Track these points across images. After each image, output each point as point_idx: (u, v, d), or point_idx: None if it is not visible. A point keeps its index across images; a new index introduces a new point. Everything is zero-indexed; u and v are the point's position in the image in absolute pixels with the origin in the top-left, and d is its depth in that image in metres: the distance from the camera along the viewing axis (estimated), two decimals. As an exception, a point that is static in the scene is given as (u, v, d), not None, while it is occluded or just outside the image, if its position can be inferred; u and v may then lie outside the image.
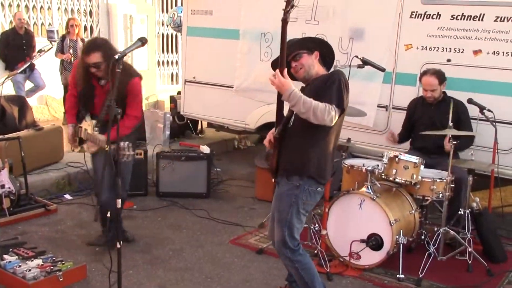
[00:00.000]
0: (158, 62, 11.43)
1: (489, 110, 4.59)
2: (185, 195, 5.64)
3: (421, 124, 4.81)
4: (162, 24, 11.38)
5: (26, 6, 9.01)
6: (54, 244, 4.36)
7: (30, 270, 3.55)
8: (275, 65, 3.09)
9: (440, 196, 4.21)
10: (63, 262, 3.76)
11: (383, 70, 4.54)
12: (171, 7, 11.30)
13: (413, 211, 4.23)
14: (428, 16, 5.10)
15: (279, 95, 2.99)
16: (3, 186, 4.77)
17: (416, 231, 4.31)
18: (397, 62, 5.31)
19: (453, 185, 4.27)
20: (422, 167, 4.14)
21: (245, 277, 3.94)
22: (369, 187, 4.09)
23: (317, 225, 4.30)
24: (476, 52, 4.90)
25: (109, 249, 3.43)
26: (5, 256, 3.73)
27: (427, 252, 4.10)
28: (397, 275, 3.94)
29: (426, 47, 5.13)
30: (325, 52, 3.22)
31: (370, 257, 4.04)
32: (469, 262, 4.12)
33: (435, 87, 4.69)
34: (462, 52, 4.96)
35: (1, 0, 8.68)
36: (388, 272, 4.05)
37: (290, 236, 3.11)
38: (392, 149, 4.83)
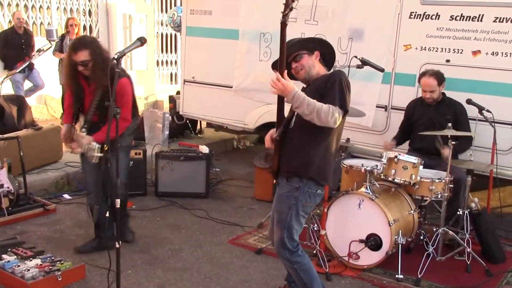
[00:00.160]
0: (157, 62, 11.43)
1: (488, 111, 4.60)
2: (184, 195, 5.64)
3: (420, 125, 4.81)
4: (161, 24, 11.38)
5: (25, 6, 9.00)
6: (53, 244, 4.36)
7: (28, 270, 3.54)
8: (275, 66, 3.06)
9: (439, 196, 4.21)
10: (62, 262, 3.75)
11: (382, 70, 4.55)
12: (171, 7, 11.30)
13: (412, 212, 4.24)
14: (427, 17, 5.10)
15: (280, 96, 2.97)
16: (1, 186, 4.77)
17: (415, 231, 4.31)
18: (396, 62, 5.31)
19: (452, 186, 4.27)
20: (421, 167, 4.15)
21: (244, 277, 3.94)
22: (368, 187, 4.09)
23: (316, 225, 4.30)
24: (475, 53, 4.91)
25: (108, 249, 3.43)
26: (4, 256, 3.72)
27: (426, 253, 4.10)
28: (396, 275, 3.94)
29: (425, 47, 5.14)
30: (326, 51, 3.20)
31: (369, 257, 4.04)
32: (468, 263, 4.12)
33: (434, 88, 4.69)
34: (461, 53, 4.96)
35: (0, 0, 8.67)
36: (387, 272, 4.05)
37: (289, 238, 3.10)
38: (391, 149, 4.83)
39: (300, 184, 3.07)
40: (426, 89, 4.72)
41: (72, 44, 3.97)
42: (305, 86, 3.21)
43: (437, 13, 5.05)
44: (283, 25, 2.88)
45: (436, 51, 5.08)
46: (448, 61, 5.01)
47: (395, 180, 4.13)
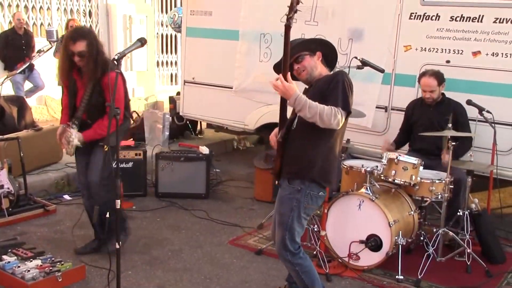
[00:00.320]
0: (158, 62, 11.43)
1: (488, 111, 4.60)
2: (184, 196, 5.64)
3: (420, 125, 4.81)
4: (162, 25, 11.38)
5: (26, 7, 9.01)
6: (53, 245, 4.36)
7: (29, 270, 3.54)
8: (277, 68, 3.05)
9: (439, 197, 4.21)
10: (62, 262, 3.76)
11: (382, 71, 4.55)
12: (171, 8, 11.31)
13: (412, 212, 4.24)
14: (427, 17, 5.10)
15: (283, 98, 2.96)
16: (2, 187, 4.77)
17: (415, 232, 4.31)
18: (396, 63, 5.31)
19: (452, 186, 4.27)
20: (421, 168, 4.15)
21: (244, 278, 3.94)
22: (368, 188, 4.09)
23: (316, 226, 4.30)
24: (475, 53, 4.91)
25: (108, 250, 3.43)
26: (4, 257, 3.72)
27: (426, 253, 4.10)
28: (396, 276, 3.94)
29: (425, 48, 5.14)
30: (327, 52, 3.18)
31: (369, 258, 4.04)
32: (468, 263, 4.12)
33: (434, 88, 4.69)
34: (461, 53, 4.96)
35: (0, 0, 8.67)
36: (387, 273, 4.05)
37: (290, 240, 3.09)
38: (389, 150, 4.82)
39: (302, 186, 3.05)
40: (426, 89, 4.72)
41: (71, 34, 3.91)
42: (307, 87, 3.19)
43: (437, 14, 5.05)
44: (287, 27, 2.85)
45: (436, 51, 5.08)
46: (448, 61, 5.01)
47: (395, 180, 4.13)
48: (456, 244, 4.30)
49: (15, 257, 3.74)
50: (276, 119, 6.18)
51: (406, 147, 5.03)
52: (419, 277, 3.91)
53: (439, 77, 4.70)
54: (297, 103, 2.86)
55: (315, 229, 4.28)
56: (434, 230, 4.25)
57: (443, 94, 4.80)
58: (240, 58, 6.37)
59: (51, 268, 3.64)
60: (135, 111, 8.00)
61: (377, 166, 4.19)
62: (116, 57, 3.06)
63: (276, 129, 3.19)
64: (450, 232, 4.24)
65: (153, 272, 3.98)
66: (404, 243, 4.05)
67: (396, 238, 3.97)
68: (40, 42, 8.16)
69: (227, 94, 6.56)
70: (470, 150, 4.54)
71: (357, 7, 5.48)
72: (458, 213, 4.32)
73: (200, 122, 8.13)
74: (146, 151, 5.80)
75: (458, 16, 4.94)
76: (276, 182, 3.23)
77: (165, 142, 7.19)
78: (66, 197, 5.56)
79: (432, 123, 4.71)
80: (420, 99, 4.90)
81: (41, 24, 9.27)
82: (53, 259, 3.80)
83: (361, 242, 4.03)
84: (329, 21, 5.63)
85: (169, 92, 9.87)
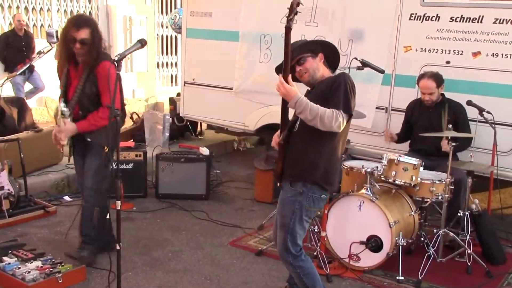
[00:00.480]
0: (158, 63, 11.44)
1: (488, 112, 4.60)
2: (184, 197, 5.64)
3: (420, 126, 4.81)
4: (162, 26, 11.39)
5: (26, 8, 9.02)
6: (53, 246, 4.35)
7: (29, 272, 3.54)
8: (279, 70, 3.03)
9: (440, 197, 4.21)
10: (63, 264, 3.76)
11: (382, 72, 4.55)
12: (171, 9, 11.32)
13: (412, 213, 4.24)
14: (427, 18, 5.11)
15: (285, 100, 2.94)
16: (2, 188, 4.76)
17: (416, 233, 4.31)
18: (396, 64, 5.31)
19: (453, 187, 4.27)
20: (421, 168, 4.14)
21: (244, 279, 3.94)
22: (368, 188, 4.09)
23: (316, 226, 4.30)
24: (475, 54, 4.91)
25: (108, 251, 3.43)
26: (5, 258, 3.72)
27: (426, 254, 4.10)
28: (397, 277, 3.94)
29: (426, 49, 5.14)
30: (329, 53, 3.16)
31: (370, 259, 4.04)
32: (469, 264, 4.12)
33: (432, 90, 4.69)
34: (461, 54, 4.96)
35: (0, 2, 8.68)
36: (388, 274, 4.05)
37: (292, 242, 3.08)
38: (391, 151, 4.83)
39: (304, 189, 3.04)
40: (425, 92, 4.72)
41: (74, 20, 3.83)
42: (309, 89, 3.17)
43: (437, 15, 5.05)
44: (288, 29, 2.83)
45: (436, 52, 5.08)
46: (448, 62, 5.01)
47: (396, 181, 4.13)
48: (456, 244, 4.30)
49: (16, 259, 3.74)
50: (276, 120, 6.18)
51: (406, 147, 5.03)
52: (420, 278, 3.91)
53: (438, 79, 4.69)
54: (298, 105, 2.85)
55: (316, 230, 4.28)
56: (435, 230, 4.25)
57: (442, 94, 4.80)
58: (240, 59, 6.38)
59: (51, 269, 3.64)
60: (135, 112, 8.01)
61: (377, 167, 4.19)
62: (116, 58, 3.06)
63: (278, 132, 3.18)
64: (451, 233, 4.24)
65: (154, 273, 3.98)
66: (405, 244, 4.05)
67: (396, 238, 3.97)
68: (40, 43, 8.15)
69: (227, 95, 6.57)
70: (471, 151, 4.54)
71: (357, 8, 5.48)
72: (459, 214, 4.32)
73: (200, 123, 8.13)
74: (146, 152, 5.80)
75: (458, 17, 4.94)
76: (278, 184, 3.22)
77: (165, 143, 7.19)
78: (67, 198, 5.55)
79: (432, 124, 4.71)
80: (419, 99, 4.90)
81: (41, 25, 9.27)
82: (53, 260, 3.79)
83: (362, 243, 4.03)
84: (329, 22, 5.63)
85: (169, 93, 9.87)
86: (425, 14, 5.11)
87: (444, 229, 4.20)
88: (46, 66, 8.23)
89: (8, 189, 4.79)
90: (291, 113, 3.07)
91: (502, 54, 4.76)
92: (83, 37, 3.71)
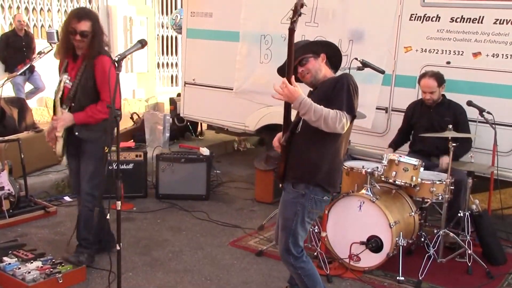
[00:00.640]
0: (158, 64, 11.45)
1: (488, 112, 4.60)
2: (184, 197, 5.64)
3: (420, 127, 4.81)
4: (162, 26, 11.39)
5: (26, 8, 9.03)
6: (53, 246, 4.35)
7: (29, 272, 3.55)
8: (281, 71, 3.02)
9: (440, 198, 4.21)
10: (63, 264, 3.76)
11: (382, 72, 4.55)
12: (171, 9, 11.32)
13: (412, 213, 4.24)
14: (427, 19, 5.11)
15: (287, 101, 2.93)
16: (2, 188, 4.76)
17: (416, 233, 4.31)
18: (396, 64, 5.31)
19: (453, 187, 4.27)
20: (421, 169, 4.14)
21: (244, 279, 3.94)
22: (368, 189, 4.09)
23: (317, 227, 4.30)
24: (475, 55, 4.91)
25: (108, 251, 3.43)
26: (5, 258, 3.73)
27: (426, 254, 4.10)
28: (397, 277, 3.93)
29: (426, 49, 5.14)
30: (331, 53, 3.14)
31: (370, 259, 4.04)
32: (469, 264, 4.12)
33: (433, 90, 4.69)
34: (461, 54, 4.96)
35: (1, 2, 8.69)
36: (388, 274, 4.05)
37: (294, 244, 3.08)
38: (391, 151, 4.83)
39: (306, 191, 3.02)
40: (426, 90, 4.72)
41: (76, 12, 3.82)
42: (311, 90, 3.16)
43: (437, 15, 5.05)
44: (291, 31, 2.80)
45: (436, 53, 5.08)
46: (448, 63, 5.01)
47: (396, 182, 4.13)
48: (457, 245, 4.30)
49: (16, 259, 3.74)
50: (276, 120, 6.21)
51: (407, 148, 5.02)
52: (420, 278, 3.91)
53: (439, 78, 4.69)
54: (302, 106, 2.82)
55: (316, 230, 4.28)
56: (435, 231, 4.25)
57: (443, 95, 4.80)
58: (241, 60, 6.38)
59: (51, 269, 3.64)
60: (135, 113, 8.01)
61: (377, 167, 4.19)
62: (116, 59, 3.06)
63: (280, 133, 3.16)
64: (451, 233, 4.24)
65: (154, 274, 3.98)
66: (405, 244, 4.05)
67: (396, 239, 3.97)
68: (40, 43, 8.17)
69: (227, 96, 6.57)
70: (471, 151, 4.54)
71: (357, 8, 5.48)
72: (459, 214, 4.32)
73: (201, 124, 8.13)
74: (147, 152, 5.80)
75: (459, 17, 4.94)
76: (280, 185, 3.21)
77: (166, 143, 7.19)
78: (67, 198, 5.55)
79: (432, 125, 4.71)
80: (420, 100, 4.89)
81: (42, 25, 9.28)
82: (53, 260, 3.80)
83: (362, 243, 4.03)
84: (330, 22, 5.63)
85: (169, 94, 9.87)
86: (426, 14, 5.11)
87: (444, 229, 4.20)
88: (47, 66, 8.23)
89: (9, 189, 4.79)
90: (293, 114, 3.05)
91: (503, 54, 4.76)
92: (83, 29, 3.69)
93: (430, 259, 4.05)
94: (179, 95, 7.94)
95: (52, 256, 3.88)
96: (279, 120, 5.95)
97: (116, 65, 3.07)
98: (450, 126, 4.28)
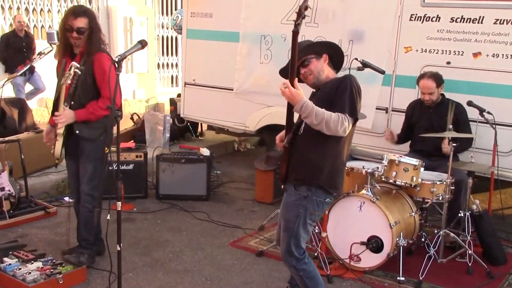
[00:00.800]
0: (158, 64, 11.45)
1: (488, 113, 4.60)
2: (185, 198, 5.64)
3: (420, 126, 4.81)
4: (162, 27, 11.40)
5: (26, 9, 9.03)
6: (54, 247, 4.35)
7: (30, 272, 3.55)
8: (283, 73, 3.00)
9: (440, 198, 4.21)
10: (63, 264, 3.76)
11: (382, 72, 4.54)
12: (171, 10, 11.33)
13: (413, 213, 4.24)
14: (427, 19, 5.10)
15: (289, 103, 2.91)
16: (3, 189, 4.77)
17: (416, 233, 4.31)
18: (396, 64, 5.31)
19: (453, 187, 4.27)
20: (422, 169, 4.14)
21: (245, 280, 3.94)
22: (369, 189, 4.09)
23: (317, 227, 4.30)
24: (475, 55, 4.91)
25: (109, 252, 3.43)
26: (5, 259, 3.73)
27: (427, 255, 4.10)
28: (397, 278, 3.93)
29: (426, 49, 5.14)
30: (333, 53, 3.13)
31: (370, 260, 4.04)
32: (469, 265, 4.12)
33: (432, 90, 4.69)
34: (461, 55, 4.96)
35: (1, 3, 8.69)
36: (388, 275, 4.05)
37: (296, 245, 3.07)
38: (392, 151, 4.82)
39: (309, 193, 3.01)
40: (425, 91, 4.72)
41: (73, 9, 3.82)
42: (314, 91, 3.15)
43: (437, 15, 5.05)
44: (295, 33, 2.79)
45: (436, 53, 5.08)
46: (448, 63, 5.01)
47: (396, 182, 4.13)
48: (457, 245, 4.30)
49: (16, 259, 3.74)
50: (276, 120, 6.21)
51: (407, 148, 5.03)
52: (420, 278, 3.91)
53: (438, 79, 4.69)
54: (304, 109, 2.81)
55: (316, 231, 4.27)
56: (435, 231, 4.25)
57: (442, 95, 4.80)
58: (241, 60, 6.37)
59: (52, 270, 3.65)
60: (135, 113, 8.02)
61: (377, 168, 4.19)
62: (116, 59, 3.06)
63: (283, 132, 3.16)
64: (451, 234, 4.24)
65: (154, 274, 3.98)
66: (405, 245, 4.05)
67: (397, 239, 3.97)
68: (40, 44, 8.18)
69: (227, 96, 6.56)
70: (471, 151, 4.54)
71: (357, 8, 5.48)
72: (459, 214, 4.32)
73: (201, 124, 8.13)
74: (147, 153, 5.81)
75: (459, 17, 4.94)
76: (282, 186, 3.20)
77: (166, 144, 7.19)
78: (67, 199, 5.54)
79: (432, 125, 4.71)
80: (420, 100, 4.89)
81: (42, 26, 9.29)
82: (54, 261, 3.80)
83: (362, 243, 4.03)
84: (330, 22, 5.63)
85: (169, 94, 9.88)
86: (426, 14, 5.11)
87: (444, 229, 4.20)
88: (47, 67, 8.24)
89: (9, 190, 4.79)
90: (296, 115, 3.04)
91: (503, 54, 4.76)
92: (80, 25, 3.70)
93: (431, 259, 4.05)
94: (179, 95, 7.95)
95: (53, 257, 3.88)
96: (280, 120, 5.96)
97: (116, 65, 3.07)
98: (450, 126, 4.28)
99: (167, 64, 11.66)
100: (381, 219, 3.97)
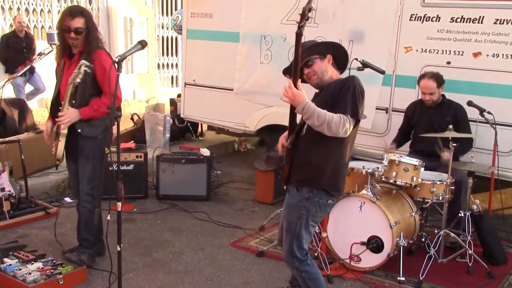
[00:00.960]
0: (158, 64, 11.45)
1: (489, 113, 4.60)
2: (185, 198, 5.64)
3: (420, 127, 4.81)
4: (162, 27, 11.40)
5: (26, 9, 9.03)
6: (54, 247, 4.35)
7: (30, 273, 3.55)
8: (287, 72, 3.00)
9: (440, 198, 4.21)
10: (64, 265, 3.76)
11: (383, 72, 4.55)
12: (171, 10, 11.33)
13: (413, 213, 4.24)
14: (427, 19, 5.11)
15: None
16: (3, 189, 4.77)
17: (417, 234, 4.31)
18: (397, 64, 5.31)
19: (453, 187, 4.27)
20: (422, 169, 4.14)
21: (245, 280, 3.94)
22: (369, 189, 4.09)
23: (317, 227, 4.29)
24: (475, 55, 4.91)
25: (109, 252, 3.43)
26: (6, 259, 3.73)
27: (427, 255, 4.10)
28: (398, 278, 3.93)
29: (426, 49, 5.14)
30: (338, 54, 3.11)
31: (371, 260, 4.04)
32: (470, 265, 4.12)
33: (433, 91, 4.69)
34: (461, 55, 4.96)
35: (1, 3, 8.69)
36: (389, 275, 4.05)
37: (298, 247, 3.06)
38: (392, 151, 4.83)
39: (311, 195, 3.00)
40: (426, 91, 4.72)
41: (69, 10, 3.83)
42: (317, 91, 3.13)
43: (437, 15, 5.05)
44: (299, 36, 2.79)
45: (437, 53, 5.08)
46: (449, 63, 5.01)
47: (396, 182, 4.13)
48: (457, 245, 4.30)
49: (16, 260, 3.74)
50: (277, 120, 6.20)
51: (407, 148, 5.02)
52: (421, 278, 3.91)
53: (438, 79, 4.69)
54: (305, 111, 2.80)
55: (317, 231, 4.27)
56: (436, 231, 4.25)
57: (443, 95, 4.80)
58: (241, 60, 6.38)
59: (52, 270, 3.64)
60: (136, 114, 8.02)
61: (378, 168, 4.19)
62: (117, 60, 3.06)
63: (286, 133, 3.15)
64: (452, 234, 4.24)
65: (154, 274, 3.98)
66: (406, 245, 4.05)
67: (397, 239, 3.97)
68: (41, 44, 8.18)
69: (227, 96, 6.57)
70: (471, 151, 4.54)
71: (357, 8, 5.48)
72: (460, 214, 4.32)
73: (201, 124, 8.13)
74: (147, 153, 5.81)
75: (459, 17, 4.94)
76: (285, 187, 3.19)
77: (166, 144, 7.19)
78: (67, 199, 5.55)
79: (432, 125, 4.71)
80: (420, 100, 4.89)
81: (42, 27, 9.28)
82: (54, 261, 3.80)
83: (362, 243, 4.03)
84: (330, 22, 5.63)
85: (170, 94, 9.88)
86: (426, 14, 5.11)
87: (445, 229, 4.20)
88: (47, 67, 8.24)
89: (9, 191, 4.79)
90: (298, 117, 3.02)
91: (503, 54, 4.76)
92: (77, 25, 3.71)
93: (431, 259, 4.05)
94: (179, 96, 7.95)
95: (53, 257, 3.88)
96: (280, 120, 5.97)
97: (117, 66, 3.07)
98: (451, 126, 4.28)
99: (167, 65, 11.66)
100: (381, 219, 3.97)
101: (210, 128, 7.64)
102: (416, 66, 5.13)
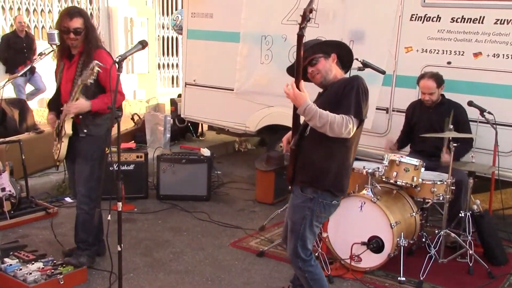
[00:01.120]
0: (159, 65, 11.45)
1: (489, 113, 4.59)
2: (185, 198, 5.64)
3: (420, 127, 4.81)
4: (163, 27, 11.40)
5: (27, 9, 9.03)
6: (54, 247, 4.35)
7: (30, 273, 3.55)
8: (290, 71, 2.99)
9: (441, 198, 4.21)
10: (64, 265, 3.76)
11: (383, 72, 4.54)
12: (172, 10, 11.33)
13: (413, 214, 4.23)
14: (428, 19, 5.10)
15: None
16: (3, 189, 4.77)
17: (417, 234, 4.31)
18: (397, 64, 5.31)
19: (454, 188, 4.27)
20: (422, 169, 4.14)
21: (245, 280, 3.94)
22: (369, 189, 4.09)
23: (317, 227, 4.29)
24: (476, 55, 4.90)
25: (109, 252, 3.44)
26: (6, 259, 3.73)
27: (428, 255, 4.10)
28: (398, 278, 3.93)
29: (427, 49, 5.14)
30: (342, 53, 3.10)
31: (371, 260, 4.04)
32: (470, 265, 4.12)
33: (433, 91, 4.69)
34: (462, 55, 4.96)
35: (1, 3, 8.70)
36: (389, 275, 4.05)
37: (302, 247, 3.06)
38: (392, 151, 4.82)
39: (315, 195, 3.00)
40: (425, 92, 4.72)
41: (67, 11, 3.82)
42: (321, 91, 3.13)
43: (438, 15, 5.05)
44: (300, 37, 2.78)
45: (437, 53, 5.08)
46: (449, 63, 5.01)
47: (397, 182, 4.13)
48: (458, 245, 4.30)
49: (17, 260, 3.74)
50: (277, 120, 6.19)
51: (407, 148, 5.02)
52: (421, 278, 3.91)
53: (438, 79, 4.69)
54: (307, 112, 2.80)
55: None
56: (436, 231, 4.25)
57: (442, 95, 4.80)
58: (241, 60, 6.38)
59: (52, 270, 3.65)
60: (136, 114, 8.02)
61: (378, 168, 4.19)
62: (117, 60, 3.06)
63: (289, 133, 3.14)
64: (452, 234, 4.24)
65: (155, 274, 3.98)
66: (406, 245, 4.04)
67: (398, 239, 3.97)
68: (41, 45, 8.19)
69: (228, 96, 6.57)
70: (472, 151, 4.54)
71: (358, 8, 5.48)
72: (460, 215, 4.32)
73: (202, 124, 8.13)
74: (148, 153, 5.81)
75: (459, 17, 4.94)
76: (289, 187, 3.19)
77: (167, 144, 7.20)
78: (68, 199, 5.55)
79: (432, 125, 4.71)
80: (420, 100, 4.89)
81: (43, 27, 9.29)
82: (54, 261, 3.80)
83: (363, 243, 4.03)
84: (330, 22, 5.63)
85: (170, 94, 9.88)
86: (426, 14, 5.11)
87: (445, 229, 4.20)
88: (47, 67, 8.25)
89: (10, 191, 4.79)
90: (302, 117, 3.01)
91: (503, 54, 4.76)
92: (76, 26, 3.70)
93: (431, 260, 4.05)
94: (179, 96, 7.95)
95: (53, 257, 3.88)
96: (280, 120, 5.97)
97: (117, 66, 3.07)
98: (451, 126, 4.27)
99: (168, 65, 11.66)
100: (382, 219, 3.97)
101: (211, 128, 7.64)
102: (416, 66, 5.13)
